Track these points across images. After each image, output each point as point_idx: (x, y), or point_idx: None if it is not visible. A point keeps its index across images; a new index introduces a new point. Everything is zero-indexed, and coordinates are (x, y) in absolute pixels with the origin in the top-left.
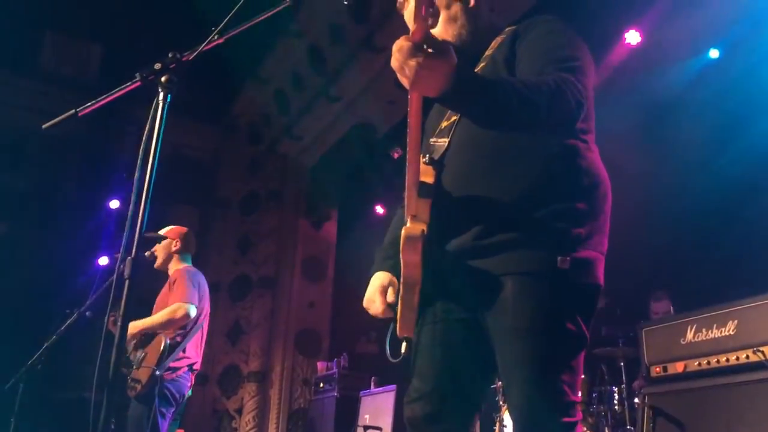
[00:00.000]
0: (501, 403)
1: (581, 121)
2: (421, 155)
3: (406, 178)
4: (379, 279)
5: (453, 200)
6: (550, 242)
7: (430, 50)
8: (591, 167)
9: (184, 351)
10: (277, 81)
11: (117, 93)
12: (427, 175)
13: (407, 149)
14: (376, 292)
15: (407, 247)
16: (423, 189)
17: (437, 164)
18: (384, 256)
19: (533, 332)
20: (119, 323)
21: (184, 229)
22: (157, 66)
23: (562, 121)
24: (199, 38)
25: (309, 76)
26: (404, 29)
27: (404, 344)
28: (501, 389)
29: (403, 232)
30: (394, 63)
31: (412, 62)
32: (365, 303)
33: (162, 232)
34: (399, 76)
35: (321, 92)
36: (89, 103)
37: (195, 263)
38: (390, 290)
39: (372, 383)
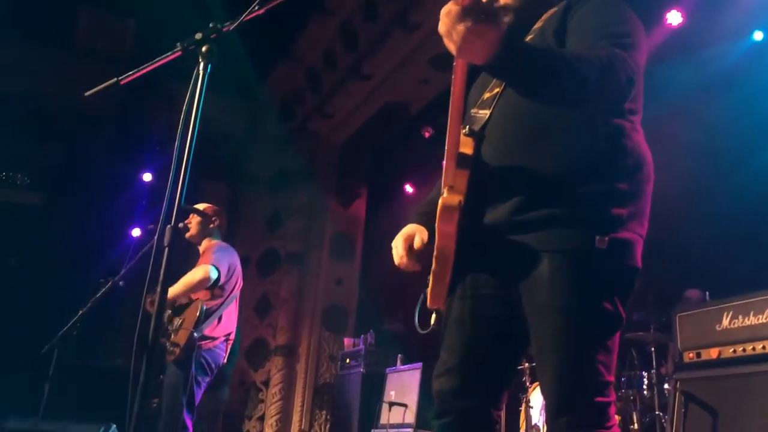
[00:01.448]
0: (528, 384)
1: (629, 101)
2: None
3: (446, 148)
4: (406, 229)
5: (491, 173)
6: (590, 221)
7: (479, 15)
8: (636, 148)
9: (219, 320)
10: (310, 58)
11: (159, 62)
12: (467, 147)
13: (449, 118)
14: (400, 239)
15: (443, 218)
16: (461, 160)
17: (477, 136)
18: (419, 212)
19: (570, 310)
20: (158, 292)
21: (219, 208)
22: (198, 36)
23: (612, 98)
24: (234, 14)
25: (341, 53)
26: (439, 6)
27: (434, 316)
28: (528, 369)
29: (440, 201)
30: (442, 28)
31: (461, 27)
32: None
33: (200, 207)
34: (446, 41)
35: (353, 70)
36: (131, 72)
37: (225, 238)
38: (417, 237)
39: (398, 360)
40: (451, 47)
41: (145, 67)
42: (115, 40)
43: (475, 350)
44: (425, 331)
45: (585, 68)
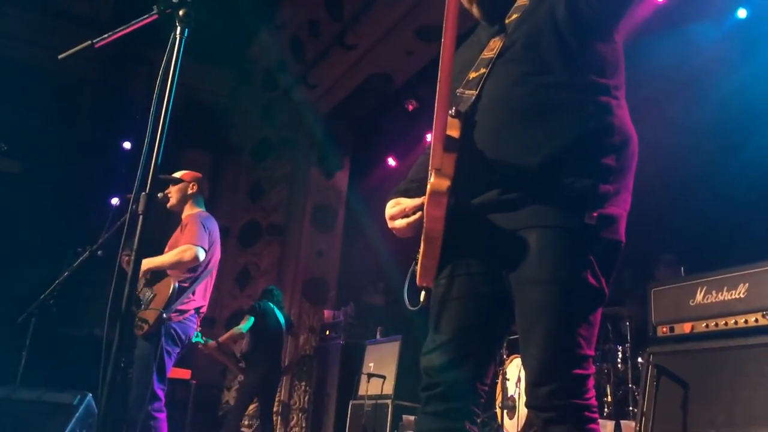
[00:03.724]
0: (504, 356)
1: (613, 78)
2: None
3: (433, 129)
4: (391, 203)
5: (479, 154)
6: (578, 198)
7: None
8: (622, 125)
9: (193, 294)
10: (293, 27)
11: (134, 25)
12: (453, 129)
13: (436, 100)
14: (392, 207)
15: (432, 202)
16: (449, 143)
17: (463, 117)
18: (401, 189)
19: (555, 283)
20: (132, 259)
21: (199, 174)
22: None
23: None
24: None
25: (325, 22)
26: None
27: (423, 293)
28: (504, 343)
29: (429, 187)
30: None
31: None
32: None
33: (177, 175)
34: None
35: (337, 40)
36: (106, 35)
37: (206, 208)
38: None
39: (377, 333)
40: None
41: (120, 31)
42: (94, 4)
43: (463, 328)
44: (415, 308)
45: None
